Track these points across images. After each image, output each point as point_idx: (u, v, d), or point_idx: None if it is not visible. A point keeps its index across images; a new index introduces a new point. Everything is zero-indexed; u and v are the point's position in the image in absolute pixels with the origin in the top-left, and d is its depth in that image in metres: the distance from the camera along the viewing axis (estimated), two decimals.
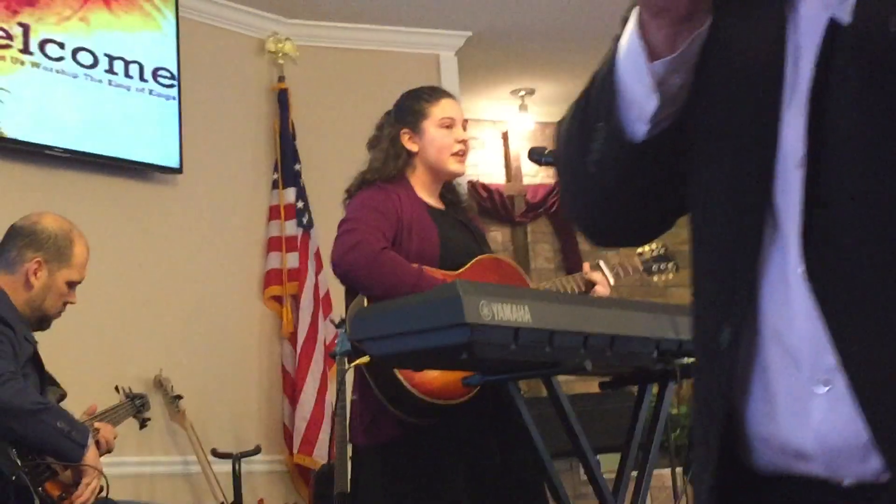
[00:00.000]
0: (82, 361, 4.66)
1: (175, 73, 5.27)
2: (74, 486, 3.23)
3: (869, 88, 0.96)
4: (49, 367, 3.51)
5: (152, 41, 5.23)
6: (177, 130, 5.22)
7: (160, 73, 5.22)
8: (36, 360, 3.42)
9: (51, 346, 3.66)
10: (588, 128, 1.16)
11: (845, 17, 0.95)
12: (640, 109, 1.10)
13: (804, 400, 0.99)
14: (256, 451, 5.09)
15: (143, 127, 5.12)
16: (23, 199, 4.48)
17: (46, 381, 3.47)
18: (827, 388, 0.98)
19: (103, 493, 3.33)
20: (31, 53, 4.78)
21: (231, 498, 4.86)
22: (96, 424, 3.50)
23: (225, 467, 4.92)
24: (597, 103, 1.15)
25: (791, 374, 1.01)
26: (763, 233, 1.03)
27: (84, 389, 4.00)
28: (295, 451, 5.36)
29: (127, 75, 5.11)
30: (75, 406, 3.50)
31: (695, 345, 1.14)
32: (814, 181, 0.99)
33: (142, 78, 5.15)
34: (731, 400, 1.06)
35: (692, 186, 1.13)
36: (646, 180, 1.16)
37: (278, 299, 5.56)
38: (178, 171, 5.23)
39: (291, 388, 5.46)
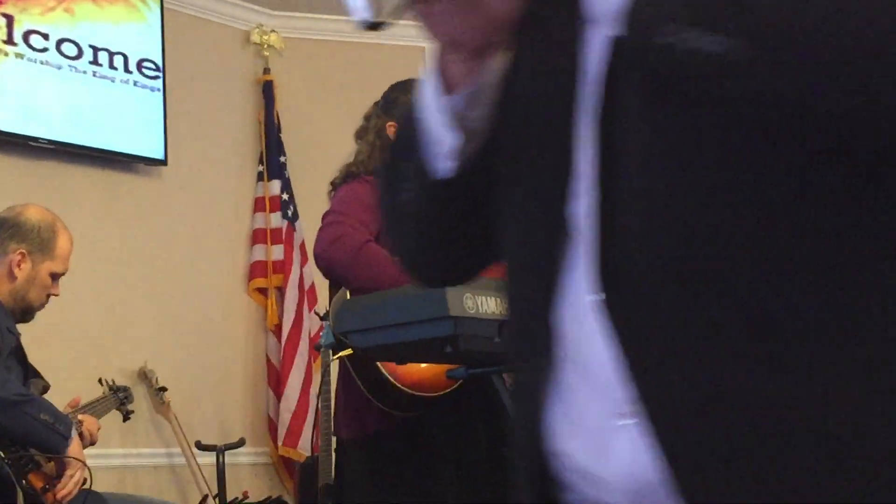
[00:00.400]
0: (66, 353, 4.65)
1: (160, 64, 5.26)
2: (58, 477, 3.23)
3: (650, 105, 0.93)
4: (33, 358, 3.50)
5: (137, 32, 5.22)
6: (161, 122, 5.21)
7: (145, 64, 5.21)
8: (19, 352, 3.41)
9: (35, 337, 3.65)
10: (397, 167, 1.14)
11: (623, 33, 0.92)
12: (440, 146, 1.06)
13: (607, 433, 0.94)
14: (241, 443, 5.09)
15: (127, 118, 5.11)
16: (7, 191, 4.46)
17: (30, 372, 3.47)
18: (627, 421, 0.92)
19: (87, 485, 3.33)
20: (15, 44, 4.76)
21: (215, 490, 4.86)
22: (80, 417, 3.50)
23: (209, 459, 4.92)
24: (404, 141, 1.12)
25: (594, 406, 0.95)
26: (561, 261, 0.98)
27: (68, 382, 4.00)
28: (279, 443, 5.36)
29: (111, 67, 5.09)
30: (59, 398, 3.50)
31: (512, 377, 1.09)
32: (607, 206, 0.95)
33: (126, 69, 5.14)
34: (543, 435, 1.00)
35: (501, 220, 1.08)
36: (459, 217, 1.13)
37: (263, 291, 5.56)
38: (163, 162, 5.22)
39: (276, 380, 5.46)
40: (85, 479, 3.31)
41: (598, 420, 0.95)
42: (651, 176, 0.92)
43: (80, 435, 3.35)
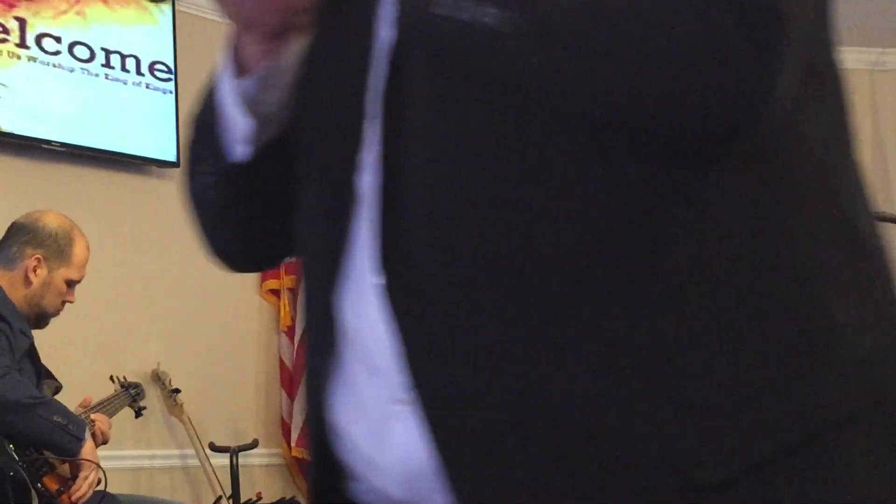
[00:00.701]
0: (80, 355, 4.66)
1: (172, 66, 5.26)
2: (72, 479, 3.24)
3: (435, 81, 0.89)
4: (46, 360, 3.52)
5: (149, 35, 5.23)
6: (173, 124, 5.21)
7: (157, 67, 5.22)
8: (32, 355, 3.42)
9: (49, 339, 3.66)
10: (196, 150, 1.11)
11: (402, 5, 0.89)
12: (236, 130, 1.03)
13: (386, 420, 0.91)
14: (254, 444, 5.09)
15: (139, 121, 5.12)
16: (19, 194, 4.47)
17: (43, 374, 3.48)
18: (404, 407, 0.89)
19: (101, 486, 3.34)
20: (27, 47, 4.77)
21: (229, 491, 4.87)
22: (92, 416, 3.51)
23: (223, 461, 4.93)
24: (202, 124, 1.08)
25: (373, 391, 0.92)
26: (346, 238, 0.95)
27: (82, 383, 4.00)
28: (293, 444, 5.37)
29: (123, 69, 5.10)
30: (73, 400, 3.51)
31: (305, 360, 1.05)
32: (390, 183, 0.91)
33: (138, 72, 5.15)
34: (328, 420, 0.98)
35: (298, 204, 1.05)
36: (258, 202, 1.09)
37: (276, 293, 5.56)
38: (175, 164, 5.23)
39: (289, 381, 5.47)
40: (99, 480, 3.31)
41: (376, 405, 0.92)
42: (435, 154, 0.89)
43: (93, 435, 3.36)
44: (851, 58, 6.35)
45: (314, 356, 1.01)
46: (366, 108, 0.94)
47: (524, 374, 0.84)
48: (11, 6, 4.75)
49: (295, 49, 1.02)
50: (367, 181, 0.93)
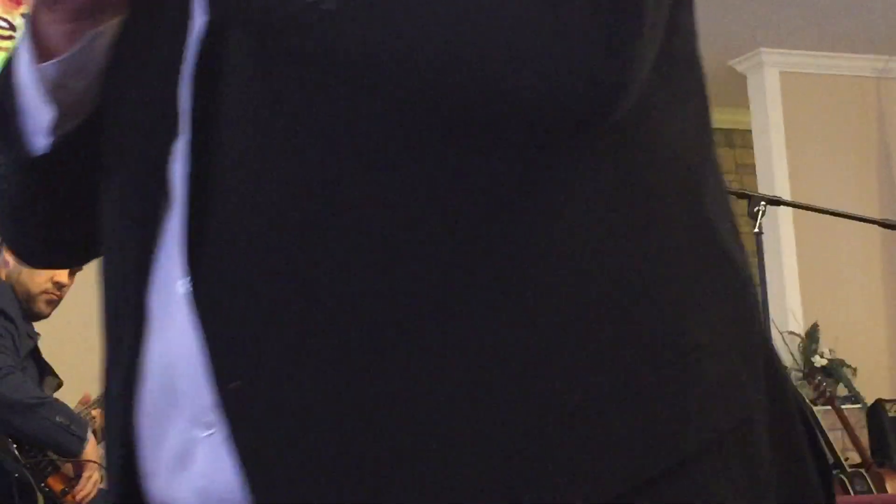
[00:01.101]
0: (80, 350, 4.65)
1: None
2: (76, 478, 3.24)
3: (258, 62, 0.80)
4: (48, 357, 3.51)
5: None
6: None
7: None
8: (36, 354, 3.42)
9: (50, 337, 3.66)
10: None
11: None
12: (35, 119, 0.91)
13: (187, 447, 0.80)
14: None
15: None
16: None
17: (45, 371, 3.47)
18: (209, 432, 0.79)
19: (105, 485, 3.34)
20: None
21: None
22: (93, 412, 3.49)
23: None
24: None
25: (176, 415, 0.81)
26: (155, 236, 0.83)
27: (85, 378, 4.00)
28: None
29: None
30: (73, 396, 3.50)
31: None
32: (198, 179, 0.80)
33: None
34: (128, 456, 0.85)
35: (102, 201, 0.93)
36: (58, 198, 0.97)
37: None
38: None
39: None
40: (102, 478, 3.32)
41: (178, 433, 0.81)
42: (249, 141, 0.79)
43: (93, 432, 3.36)
44: (858, 65, 6.35)
45: (114, 372, 0.88)
46: (180, 94, 0.84)
47: (342, 390, 0.75)
48: (18, 3, 4.76)
49: (106, 31, 0.90)
50: (178, 171, 0.82)
